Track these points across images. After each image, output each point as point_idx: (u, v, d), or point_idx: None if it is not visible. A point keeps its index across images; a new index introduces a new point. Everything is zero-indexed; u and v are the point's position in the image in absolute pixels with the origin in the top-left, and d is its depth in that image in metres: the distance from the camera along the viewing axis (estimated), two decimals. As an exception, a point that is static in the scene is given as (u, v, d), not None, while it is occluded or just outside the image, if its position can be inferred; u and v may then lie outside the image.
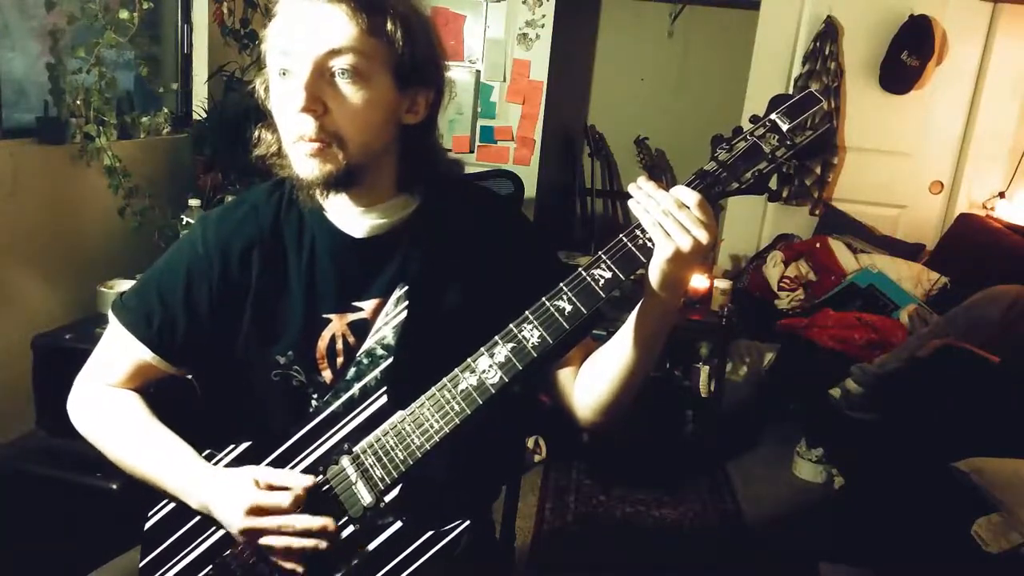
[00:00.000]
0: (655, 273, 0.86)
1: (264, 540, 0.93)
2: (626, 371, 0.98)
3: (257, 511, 0.93)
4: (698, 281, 3.00)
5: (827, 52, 3.60)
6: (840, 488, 2.74)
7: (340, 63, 0.91)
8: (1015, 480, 1.81)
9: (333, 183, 0.96)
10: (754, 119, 0.90)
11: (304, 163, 0.94)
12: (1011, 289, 2.45)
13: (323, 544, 0.93)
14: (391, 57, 0.94)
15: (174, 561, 1.03)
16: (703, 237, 0.82)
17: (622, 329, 0.97)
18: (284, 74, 0.93)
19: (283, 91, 0.93)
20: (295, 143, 0.94)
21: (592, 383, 1.04)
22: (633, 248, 0.87)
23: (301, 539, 0.92)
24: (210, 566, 1.02)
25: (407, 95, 0.98)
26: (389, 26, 0.93)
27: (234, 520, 0.94)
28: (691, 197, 0.84)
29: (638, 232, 0.87)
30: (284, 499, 0.92)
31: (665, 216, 0.83)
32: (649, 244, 0.86)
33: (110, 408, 1.08)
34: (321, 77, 0.91)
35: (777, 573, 2.36)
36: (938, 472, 1.95)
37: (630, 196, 0.86)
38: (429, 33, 0.99)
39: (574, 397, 1.07)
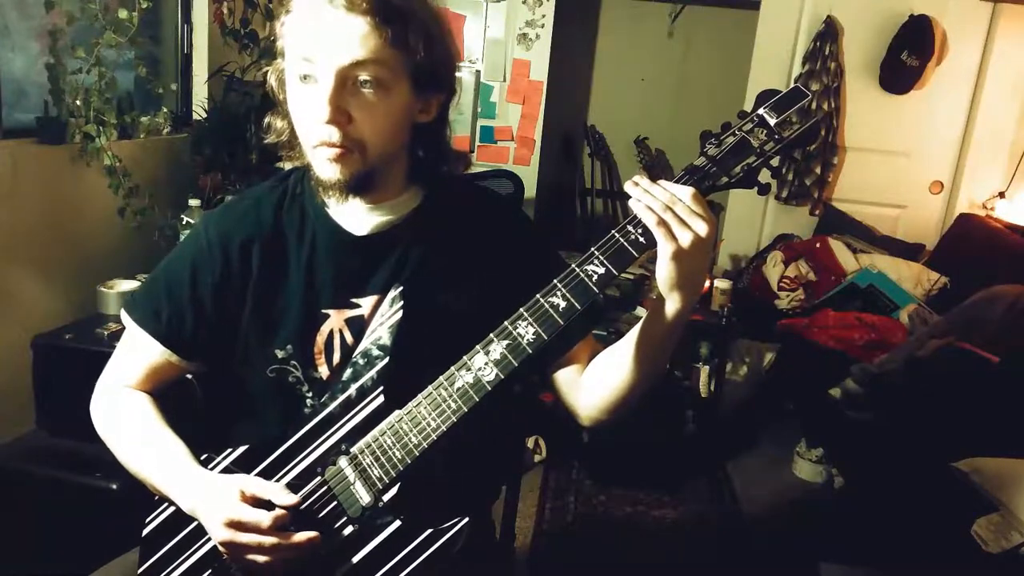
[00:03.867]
0: (663, 273, 0.86)
1: (246, 555, 0.93)
2: (634, 372, 0.98)
3: (236, 525, 0.92)
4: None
5: (827, 52, 3.60)
6: (840, 488, 2.74)
7: (364, 74, 0.91)
8: (1015, 480, 1.81)
9: (353, 186, 0.97)
10: (742, 115, 0.90)
11: (326, 167, 0.96)
12: (1011, 289, 2.45)
13: (307, 557, 0.93)
14: (411, 65, 0.95)
15: (173, 566, 1.03)
16: (702, 230, 0.83)
17: (633, 331, 0.98)
18: (305, 79, 0.93)
19: (305, 97, 0.94)
20: (316, 147, 0.95)
21: (598, 383, 1.05)
22: (625, 243, 0.87)
23: (281, 555, 0.92)
24: (209, 570, 1.01)
25: (422, 97, 1.00)
26: (411, 37, 0.93)
27: (214, 531, 0.94)
28: (685, 192, 0.85)
29: (630, 227, 0.87)
30: (264, 519, 0.91)
31: (665, 212, 0.83)
32: (641, 239, 0.86)
33: (119, 410, 1.08)
34: (344, 87, 0.92)
35: (777, 573, 2.35)
36: (938, 472, 1.95)
37: (630, 196, 0.86)
38: (445, 37, 1.00)
39: (577, 396, 1.08)
